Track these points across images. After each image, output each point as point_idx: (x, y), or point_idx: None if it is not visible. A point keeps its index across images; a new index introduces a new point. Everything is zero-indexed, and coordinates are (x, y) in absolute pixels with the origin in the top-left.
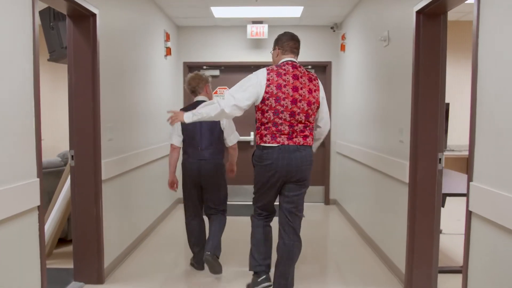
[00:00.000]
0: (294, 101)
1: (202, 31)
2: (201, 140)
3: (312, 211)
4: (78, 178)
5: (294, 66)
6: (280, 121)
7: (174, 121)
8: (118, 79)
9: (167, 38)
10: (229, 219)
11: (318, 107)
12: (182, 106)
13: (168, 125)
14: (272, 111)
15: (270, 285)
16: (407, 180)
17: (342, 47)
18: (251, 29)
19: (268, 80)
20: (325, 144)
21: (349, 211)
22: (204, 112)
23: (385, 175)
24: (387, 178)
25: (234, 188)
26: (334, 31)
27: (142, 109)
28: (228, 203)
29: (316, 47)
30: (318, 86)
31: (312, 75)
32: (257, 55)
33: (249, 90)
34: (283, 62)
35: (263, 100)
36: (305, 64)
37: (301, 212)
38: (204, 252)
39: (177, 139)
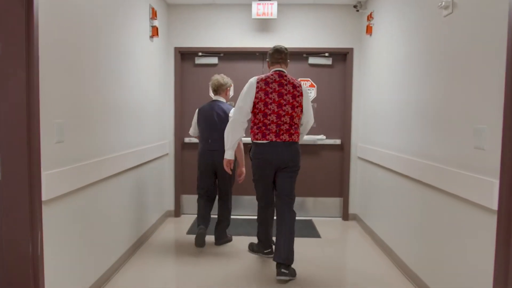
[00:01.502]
0: (279, 106)
1: (198, 10)
2: (210, 134)
3: (328, 227)
4: (6, 198)
5: (280, 75)
6: (269, 122)
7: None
8: (75, 60)
9: (153, 15)
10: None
11: (301, 110)
12: (172, 100)
13: (156, 125)
14: (262, 113)
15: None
16: (494, 205)
17: (369, 29)
18: (257, 7)
19: (257, 87)
20: (343, 147)
21: (376, 230)
22: (228, 138)
23: (445, 194)
24: (450, 198)
25: (238, 198)
26: (357, 10)
27: (117, 102)
28: (232, 217)
29: (334, 30)
30: (302, 92)
31: (297, 82)
32: (264, 40)
33: (249, 95)
34: (272, 72)
35: (254, 105)
36: (321, 52)
37: (294, 196)
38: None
39: (194, 132)
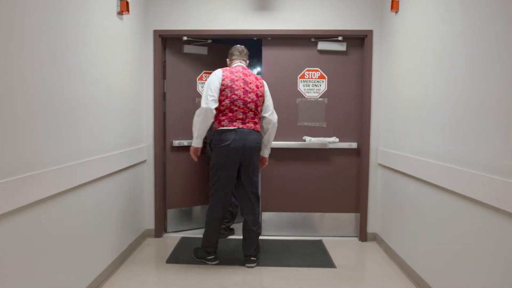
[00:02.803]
0: (245, 92)
1: None
2: None
3: (343, 250)
4: None
5: (243, 67)
6: (236, 108)
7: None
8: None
9: None
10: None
11: (263, 100)
12: (151, 96)
13: (129, 125)
14: (229, 99)
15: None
16: None
17: (394, 5)
18: None
19: (223, 75)
20: (361, 152)
21: (404, 255)
22: (196, 126)
23: None
24: None
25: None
26: None
27: (63, 97)
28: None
29: (350, 8)
30: (263, 84)
31: (257, 75)
32: (264, 20)
33: (217, 82)
34: (234, 66)
35: (221, 91)
36: (333, 35)
37: (258, 196)
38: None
39: None
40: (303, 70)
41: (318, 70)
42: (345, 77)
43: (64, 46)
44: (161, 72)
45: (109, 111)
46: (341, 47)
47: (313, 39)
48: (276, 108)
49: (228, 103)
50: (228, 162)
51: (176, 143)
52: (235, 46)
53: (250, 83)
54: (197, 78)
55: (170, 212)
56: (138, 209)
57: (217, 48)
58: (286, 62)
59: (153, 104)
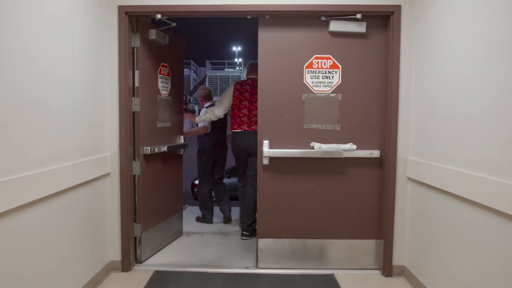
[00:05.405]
0: (250, 102)
1: None
2: None
3: None
4: None
5: (252, 80)
6: (242, 115)
7: None
8: None
9: None
10: None
11: None
12: (116, 93)
13: (84, 130)
14: (237, 109)
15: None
16: None
17: None
18: None
19: (234, 89)
20: (384, 163)
21: None
22: (204, 117)
23: None
24: None
25: None
26: None
27: None
28: None
29: None
30: None
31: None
32: None
33: (226, 98)
34: (248, 78)
35: (232, 102)
36: (349, 12)
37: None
38: None
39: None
40: (310, 58)
41: (329, 58)
42: (364, 66)
43: None
44: (129, 61)
45: (60, 111)
46: (360, 28)
47: (323, 18)
48: (276, 105)
49: (237, 112)
50: (237, 154)
51: (147, 150)
52: (250, 62)
53: (255, 93)
54: (158, 71)
55: (145, 236)
56: (100, 234)
57: (178, 39)
58: (289, 48)
59: (118, 101)
